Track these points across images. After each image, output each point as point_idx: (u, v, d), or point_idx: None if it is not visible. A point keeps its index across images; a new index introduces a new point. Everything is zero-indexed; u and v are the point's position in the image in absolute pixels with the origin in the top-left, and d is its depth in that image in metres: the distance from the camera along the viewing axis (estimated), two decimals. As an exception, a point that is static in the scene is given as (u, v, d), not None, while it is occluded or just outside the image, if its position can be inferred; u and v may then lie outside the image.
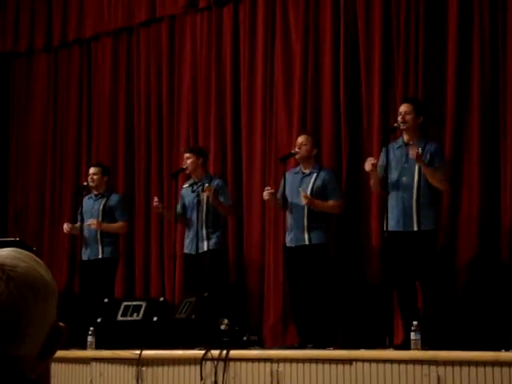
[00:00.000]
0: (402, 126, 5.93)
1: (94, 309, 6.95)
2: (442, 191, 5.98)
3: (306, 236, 6.34)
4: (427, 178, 5.80)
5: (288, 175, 6.59)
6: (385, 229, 5.88)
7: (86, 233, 7.52)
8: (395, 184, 5.90)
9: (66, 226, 7.61)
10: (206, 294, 6.55)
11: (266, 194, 6.46)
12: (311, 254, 6.30)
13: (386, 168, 5.87)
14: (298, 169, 6.64)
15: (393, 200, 5.88)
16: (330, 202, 6.41)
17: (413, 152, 5.72)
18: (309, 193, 6.37)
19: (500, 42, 6.20)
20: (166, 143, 8.23)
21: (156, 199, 7.16)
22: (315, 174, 6.48)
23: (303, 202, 6.29)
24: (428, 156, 5.85)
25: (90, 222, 7.44)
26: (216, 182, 7.07)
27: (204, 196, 6.92)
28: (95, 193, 7.66)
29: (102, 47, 8.92)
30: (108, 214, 7.56)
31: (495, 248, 6.03)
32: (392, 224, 5.83)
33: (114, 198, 7.64)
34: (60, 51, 9.29)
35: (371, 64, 6.79)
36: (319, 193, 6.41)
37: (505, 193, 6.04)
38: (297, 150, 6.53)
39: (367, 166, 5.93)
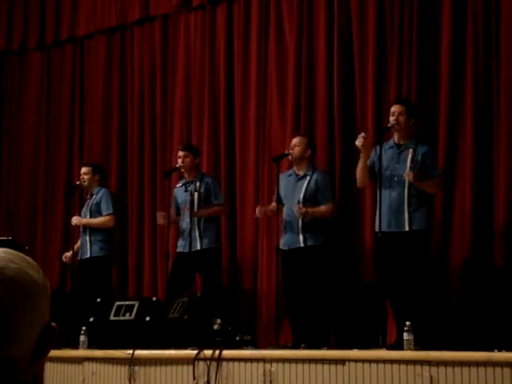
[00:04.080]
0: (397, 127, 5.92)
1: (87, 308, 6.93)
2: (433, 193, 5.99)
3: (302, 238, 6.32)
4: (426, 190, 5.80)
5: (282, 178, 6.58)
6: (376, 229, 5.86)
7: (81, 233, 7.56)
8: (386, 184, 5.89)
9: (63, 258, 7.69)
10: (199, 294, 6.54)
11: (259, 216, 6.48)
12: (307, 256, 6.28)
13: (380, 168, 5.87)
14: (291, 171, 6.61)
15: (384, 201, 5.86)
16: (323, 208, 6.38)
17: (409, 177, 5.71)
18: (302, 196, 6.36)
19: (494, 42, 6.20)
20: (159, 142, 8.22)
21: (161, 214, 7.08)
22: (309, 177, 6.47)
23: (297, 216, 6.26)
24: (420, 158, 5.85)
25: (72, 222, 7.48)
26: (207, 181, 7.06)
27: (196, 196, 6.91)
28: (91, 192, 7.65)
29: (96, 46, 8.91)
30: (95, 211, 7.52)
31: (488, 249, 6.03)
32: (384, 225, 5.81)
33: (100, 192, 7.58)
34: (53, 49, 9.28)
35: (365, 64, 6.79)
36: (312, 195, 6.40)
37: (498, 193, 6.05)
38: (290, 151, 6.51)
39: (358, 142, 5.86)
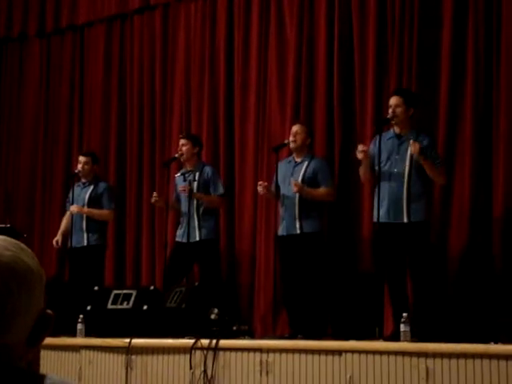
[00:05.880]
0: (395, 120, 5.91)
1: (84, 296, 6.94)
2: (441, 184, 5.99)
3: (298, 225, 6.33)
4: (426, 171, 5.78)
5: (281, 165, 6.59)
6: (374, 219, 5.87)
7: (72, 221, 7.49)
8: (386, 175, 5.89)
9: (54, 243, 7.67)
10: (197, 284, 6.55)
11: (260, 190, 6.45)
12: (303, 243, 6.30)
13: (379, 158, 5.86)
14: (290, 158, 6.63)
15: (383, 191, 5.86)
16: (321, 190, 6.40)
17: (414, 148, 5.70)
18: (300, 181, 6.37)
19: (494, 32, 6.19)
20: (158, 132, 8.21)
21: (155, 194, 7.08)
22: (306, 163, 6.49)
23: (294, 190, 6.28)
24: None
25: (71, 209, 7.44)
26: (207, 171, 7.05)
27: (195, 185, 6.91)
28: (83, 181, 7.65)
29: (96, 34, 8.89)
30: (94, 202, 7.53)
31: (486, 241, 6.04)
32: (382, 215, 5.82)
33: (101, 186, 7.61)
34: (53, 37, 9.25)
35: (365, 54, 6.78)
36: (310, 181, 6.41)
37: (497, 185, 6.05)
38: (291, 139, 6.52)
39: (359, 155, 5.92)
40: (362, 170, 6.04)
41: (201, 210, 6.96)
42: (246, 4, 7.70)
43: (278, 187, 6.48)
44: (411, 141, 5.76)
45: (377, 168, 5.89)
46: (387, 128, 6.11)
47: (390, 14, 6.71)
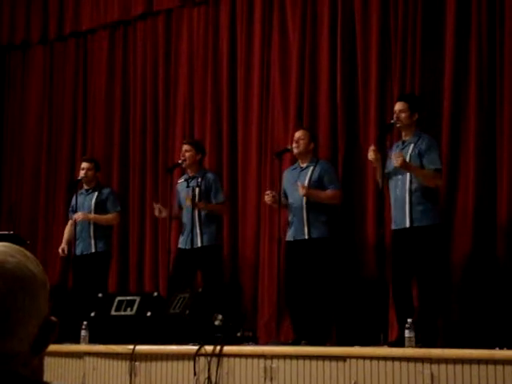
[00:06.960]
0: (398, 124, 5.92)
1: (88, 303, 6.93)
2: (433, 187, 5.95)
3: (306, 230, 6.32)
4: (419, 180, 5.77)
5: (286, 173, 6.59)
6: (393, 227, 5.88)
7: (78, 227, 7.47)
8: (393, 184, 5.91)
9: (61, 251, 7.63)
10: (200, 290, 6.54)
11: (268, 199, 6.43)
12: (311, 248, 6.28)
13: (383, 167, 5.88)
14: (295, 165, 6.63)
15: (392, 200, 5.91)
16: (328, 192, 6.39)
17: (396, 161, 5.69)
18: (306, 184, 6.36)
19: (498, 34, 6.18)
20: (161, 138, 8.21)
21: (157, 206, 7.06)
22: (312, 167, 6.48)
23: (301, 193, 6.27)
24: (417, 151, 5.83)
25: (76, 216, 7.41)
26: (209, 177, 7.04)
27: (197, 191, 6.90)
28: (86, 188, 7.63)
29: (99, 40, 8.91)
30: (100, 208, 7.52)
31: (491, 245, 6.02)
32: (392, 223, 5.86)
33: (105, 191, 7.60)
34: (56, 44, 9.27)
35: (368, 58, 6.78)
36: (317, 185, 6.40)
37: (501, 188, 6.03)
38: (294, 145, 6.51)
39: (370, 155, 5.92)
40: (378, 175, 6.05)
41: (202, 216, 6.94)
42: (248, 9, 7.71)
43: (284, 196, 6.48)
44: (393, 155, 5.76)
45: (386, 174, 5.93)
46: (392, 134, 6.13)
47: (393, 17, 6.70)
